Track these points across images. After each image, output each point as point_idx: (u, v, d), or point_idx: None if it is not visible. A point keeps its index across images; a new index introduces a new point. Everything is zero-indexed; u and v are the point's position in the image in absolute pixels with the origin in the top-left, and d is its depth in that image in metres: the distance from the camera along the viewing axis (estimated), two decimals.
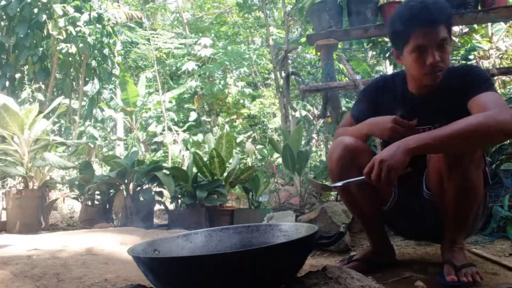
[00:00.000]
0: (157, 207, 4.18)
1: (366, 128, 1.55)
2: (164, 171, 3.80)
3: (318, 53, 3.95)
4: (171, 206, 4.18)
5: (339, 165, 1.53)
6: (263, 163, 5.41)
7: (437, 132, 1.21)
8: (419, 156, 1.30)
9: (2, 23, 5.37)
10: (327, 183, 1.47)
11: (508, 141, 2.96)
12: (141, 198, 3.79)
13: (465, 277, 1.37)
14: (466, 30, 5.89)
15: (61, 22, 5.09)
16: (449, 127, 1.21)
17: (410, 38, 1.39)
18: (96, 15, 5.42)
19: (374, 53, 6.37)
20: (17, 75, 5.58)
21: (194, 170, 3.93)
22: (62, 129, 5.83)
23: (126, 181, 3.79)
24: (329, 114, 4.16)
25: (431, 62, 1.36)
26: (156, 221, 4.16)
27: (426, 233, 1.70)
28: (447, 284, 1.39)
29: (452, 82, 1.43)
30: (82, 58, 5.64)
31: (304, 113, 8.12)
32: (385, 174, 1.21)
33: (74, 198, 4.02)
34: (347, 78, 5.11)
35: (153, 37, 9.80)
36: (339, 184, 1.39)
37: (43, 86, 5.54)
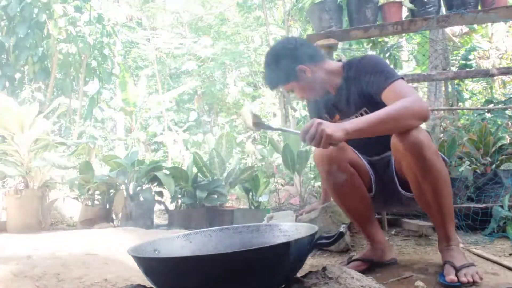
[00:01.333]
0: (157, 207, 4.18)
1: None
2: (164, 171, 3.80)
3: None
4: (171, 206, 4.18)
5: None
6: (263, 163, 5.41)
7: (369, 118, 1.39)
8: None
9: (2, 23, 5.37)
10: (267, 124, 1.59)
11: (508, 141, 2.96)
12: (141, 198, 3.79)
13: (465, 278, 1.38)
14: (466, 30, 5.90)
15: (61, 22, 5.09)
16: (379, 113, 1.38)
17: None
18: (96, 15, 5.42)
19: (374, 53, 6.37)
20: (17, 75, 5.58)
21: (194, 170, 3.93)
22: (62, 129, 5.84)
23: (126, 181, 3.79)
24: None
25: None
26: (156, 221, 4.16)
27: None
28: (447, 285, 1.39)
29: (352, 76, 1.66)
30: (82, 58, 5.64)
31: (304, 113, 8.12)
32: (318, 137, 1.32)
33: (74, 198, 4.02)
34: None
35: (153, 37, 9.79)
36: (274, 127, 1.58)
37: (43, 86, 5.55)
